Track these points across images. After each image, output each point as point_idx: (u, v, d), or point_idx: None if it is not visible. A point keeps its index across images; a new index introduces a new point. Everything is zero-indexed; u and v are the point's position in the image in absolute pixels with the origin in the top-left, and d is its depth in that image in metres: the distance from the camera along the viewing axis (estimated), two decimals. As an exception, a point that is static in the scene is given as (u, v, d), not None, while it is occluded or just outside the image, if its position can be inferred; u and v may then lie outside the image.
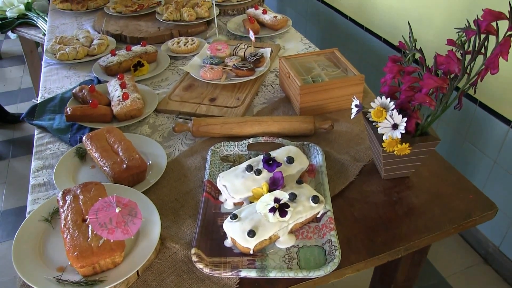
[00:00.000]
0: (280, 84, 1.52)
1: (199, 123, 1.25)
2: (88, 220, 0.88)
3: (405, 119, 0.97)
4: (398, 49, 2.21)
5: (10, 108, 3.37)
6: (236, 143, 1.20)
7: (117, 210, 0.82)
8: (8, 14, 2.90)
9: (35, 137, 1.35)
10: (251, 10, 2.03)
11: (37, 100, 3.47)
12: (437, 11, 1.89)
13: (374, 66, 2.45)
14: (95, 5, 2.28)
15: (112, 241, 0.83)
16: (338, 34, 2.76)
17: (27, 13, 2.91)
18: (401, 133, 0.97)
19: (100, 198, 0.86)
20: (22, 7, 2.90)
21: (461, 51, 0.92)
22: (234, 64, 1.52)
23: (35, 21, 2.87)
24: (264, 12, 1.96)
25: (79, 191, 0.96)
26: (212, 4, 1.95)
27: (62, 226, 0.89)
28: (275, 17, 1.92)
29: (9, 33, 2.99)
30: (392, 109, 0.99)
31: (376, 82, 2.20)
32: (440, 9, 1.87)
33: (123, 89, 1.40)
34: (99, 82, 1.62)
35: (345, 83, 1.32)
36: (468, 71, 0.92)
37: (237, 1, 2.20)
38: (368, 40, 2.44)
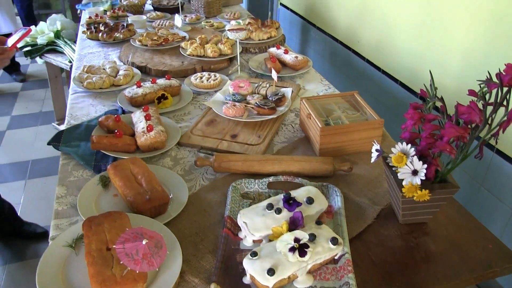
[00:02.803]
0: (300, 124, 1.55)
1: (221, 159, 1.28)
2: (112, 248, 0.90)
3: (425, 165, 0.99)
4: (414, 93, 2.25)
5: (29, 131, 3.44)
6: (256, 180, 1.22)
7: (144, 242, 0.84)
8: (39, 41, 3.02)
9: (60, 163, 1.38)
10: (272, 49, 2.10)
11: (57, 124, 3.54)
12: (454, 58, 1.93)
13: (389, 108, 2.48)
14: (122, 36, 2.37)
15: (137, 272, 0.84)
16: (354, 75, 2.81)
17: (56, 41, 3.03)
18: (420, 179, 0.99)
19: (126, 229, 0.88)
20: (52, 34, 3.02)
21: (482, 102, 0.95)
22: (256, 102, 1.56)
23: (62, 48, 2.99)
24: (286, 52, 2.02)
25: (103, 219, 0.99)
26: (236, 41, 2.02)
27: (87, 253, 0.91)
28: (296, 57, 1.97)
29: (37, 58, 3.11)
30: (413, 155, 1.01)
31: (392, 124, 2.23)
32: (457, 55, 1.91)
33: (148, 121, 1.44)
34: (123, 112, 1.67)
35: (365, 126, 1.35)
36: (489, 121, 0.95)
37: (259, 40, 2.27)
38: (385, 83, 2.48)
